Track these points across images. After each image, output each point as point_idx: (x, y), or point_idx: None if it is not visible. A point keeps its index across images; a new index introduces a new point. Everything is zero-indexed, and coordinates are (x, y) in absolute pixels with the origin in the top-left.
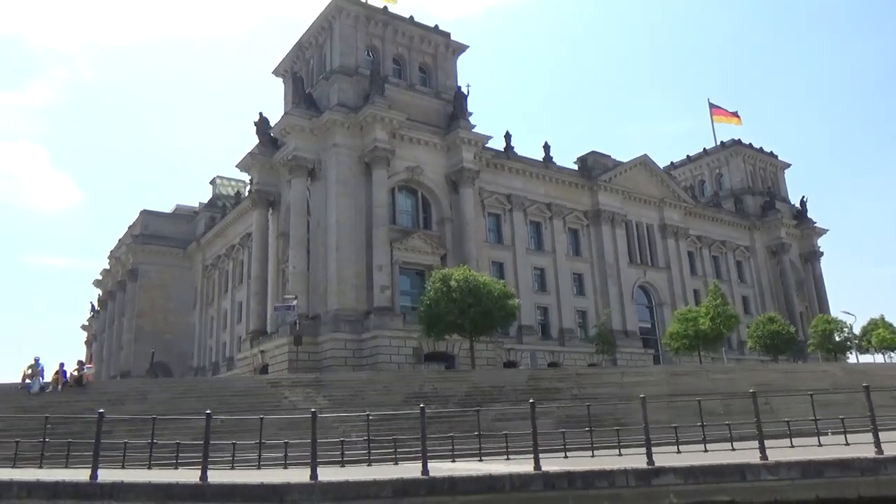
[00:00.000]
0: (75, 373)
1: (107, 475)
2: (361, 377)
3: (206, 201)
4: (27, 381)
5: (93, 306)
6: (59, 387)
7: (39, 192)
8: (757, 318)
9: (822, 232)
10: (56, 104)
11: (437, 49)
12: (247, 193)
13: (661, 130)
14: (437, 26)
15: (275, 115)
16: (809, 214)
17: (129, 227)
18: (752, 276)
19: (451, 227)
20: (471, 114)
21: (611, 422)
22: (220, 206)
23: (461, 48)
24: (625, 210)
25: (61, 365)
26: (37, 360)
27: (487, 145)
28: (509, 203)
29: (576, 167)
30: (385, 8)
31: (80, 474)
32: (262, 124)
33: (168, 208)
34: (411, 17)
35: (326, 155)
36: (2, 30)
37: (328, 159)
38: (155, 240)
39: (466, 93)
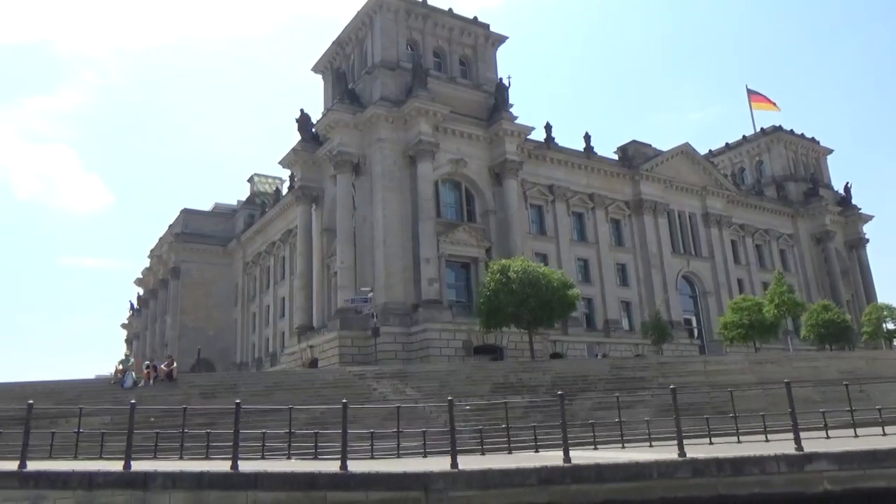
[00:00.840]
0: (165, 367)
1: (247, 465)
2: (444, 368)
3: (244, 199)
4: (119, 375)
5: (132, 305)
6: (151, 381)
7: (72, 194)
8: (811, 306)
9: (868, 218)
10: (86, 107)
11: (477, 41)
12: (286, 190)
13: (689, 119)
14: (476, 18)
15: (313, 111)
16: (854, 201)
17: (170, 226)
18: (797, 264)
19: (495, 220)
20: (511, 105)
21: (709, 410)
22: (259, 203)
23: (500, 39)
24: (667, 199)
25: (152, 360)
26: (127, 357)
27: (526, 137)
28: (551, 194)
29: (615, 157)
30: (424, 1)
31: (222, 465)
32: (303, 121)
33: (199, 207)
34: (450, 10)
35: (371, 150)
36: (31, 36)
37: (373, 154)
38: (196, 238)
39: (508, 84)
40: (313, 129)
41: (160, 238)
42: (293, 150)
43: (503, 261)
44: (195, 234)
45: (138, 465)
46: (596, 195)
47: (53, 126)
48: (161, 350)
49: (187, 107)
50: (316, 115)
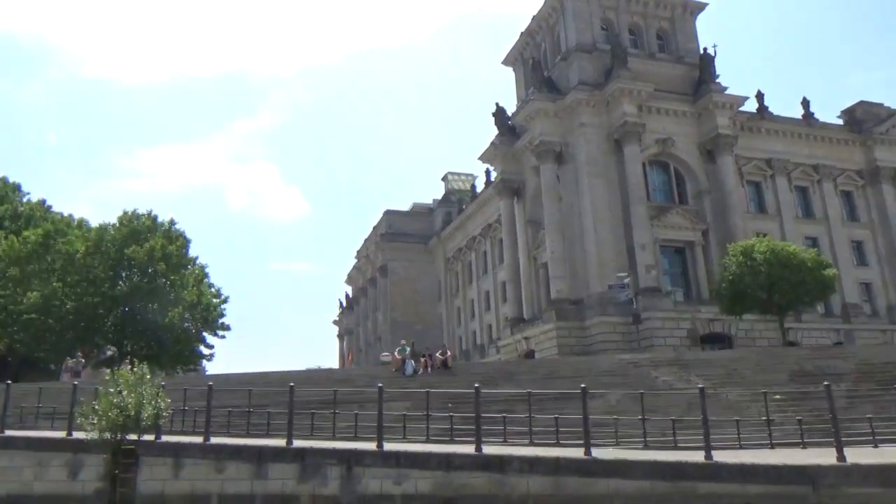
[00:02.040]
0: (440, 356)
1: (598, 452)
2: (725, 356)
3: (439, 198)
4: (399, 364)
5: (341, 303)
6: (429, 369)
7: (275, 205)
8: None
9: None
10: (281, 126)
11: (674, 12)
12: (480, 186)
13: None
14: None
15: (508, 104)
16: None
17: (374, 228)
18: None
19: (709, 200)
20: (718, 76)
21: None
22: (455, 200)
23: (699, 7)
24: None
25: (427, 349)
26: (404, 346)
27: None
28: (770, 168)
29: (840, 122)
30: None
31: (573, 452)
32: (499, 114)
33: (392, 208)
34: None
35: (573, 136)
36: (228, 66)
37: (575, 140)
38: (399, 237)
39: (714, 53)
40: (509, 122)
41: (365, 239)
42: (492, 144)
43: (744, 241)
44: (398, 233)
45: (488, 449)
46: (821, 166)
47: (256, 145)
48: (375, 344)
49: (370, 116)
50: (509, 109)
